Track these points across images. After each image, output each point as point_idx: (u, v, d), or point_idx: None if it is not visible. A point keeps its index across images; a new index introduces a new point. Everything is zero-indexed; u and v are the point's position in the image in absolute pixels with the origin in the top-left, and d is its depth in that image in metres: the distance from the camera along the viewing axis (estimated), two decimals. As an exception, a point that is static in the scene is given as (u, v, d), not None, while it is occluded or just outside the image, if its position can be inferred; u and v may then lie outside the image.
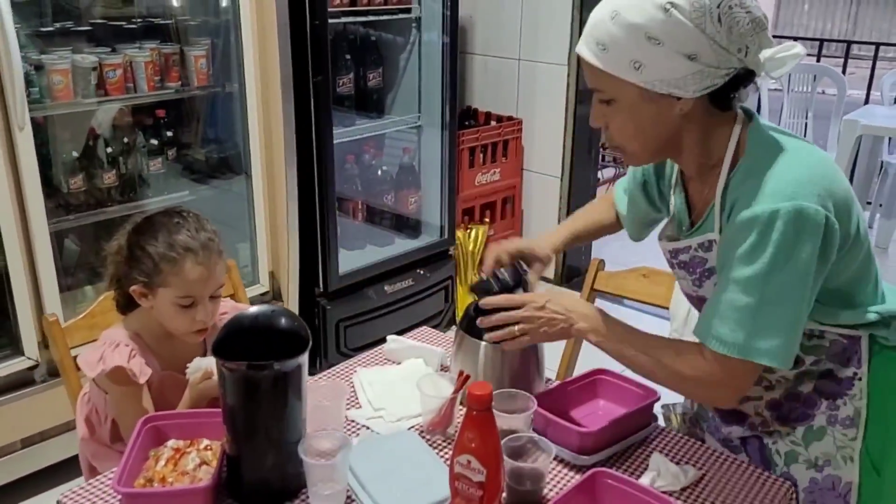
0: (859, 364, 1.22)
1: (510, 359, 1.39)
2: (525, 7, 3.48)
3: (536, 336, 1.28)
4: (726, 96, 1.13)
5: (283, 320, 1.18)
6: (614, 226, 1.57)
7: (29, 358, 2.26)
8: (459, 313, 3.41)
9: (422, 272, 3.12)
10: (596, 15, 1.11)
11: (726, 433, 1.35)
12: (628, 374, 1.34)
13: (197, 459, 1.20)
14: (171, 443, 1.25)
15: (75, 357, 1.54)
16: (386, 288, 3.00)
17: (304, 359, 1.14)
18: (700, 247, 1.22)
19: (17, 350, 2.27)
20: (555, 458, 1.22)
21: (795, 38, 7.84)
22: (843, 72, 5.38)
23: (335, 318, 2.84)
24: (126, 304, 1.51)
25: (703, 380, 1.16)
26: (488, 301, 1.31)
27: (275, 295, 2.79)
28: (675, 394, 1.30)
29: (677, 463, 1.29)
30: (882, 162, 4.64)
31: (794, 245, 1.06)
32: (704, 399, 1.34)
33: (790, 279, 1.08)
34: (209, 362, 1.38)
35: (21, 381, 2.27)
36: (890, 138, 4.72)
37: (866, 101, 5.29)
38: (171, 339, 1.48)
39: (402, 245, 3.16)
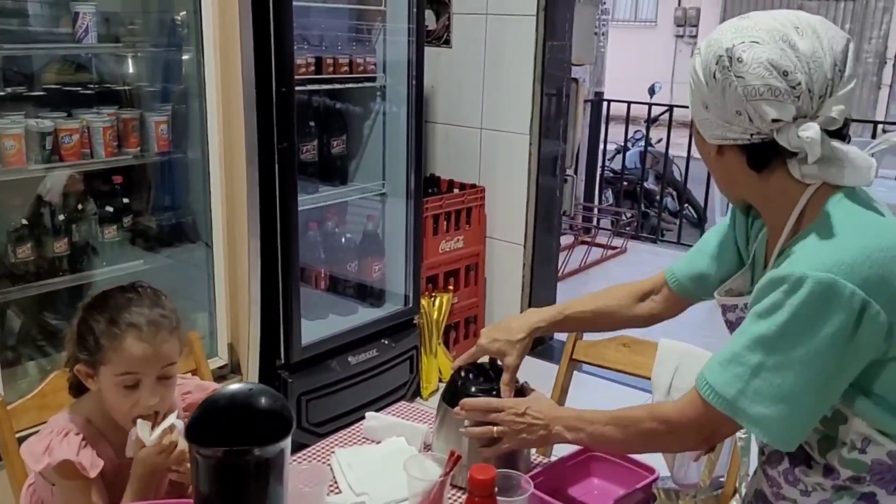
0: None
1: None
2: (486, 77, 3.53)
3: (514, 441, 1.29)
4: (763, 157, 1.08)
5: (263, 400, 1.08)
6: (623, 316, 1.45)
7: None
8: (424, 384, 3.32)
9: (386, 342, 3.02)
10: None
11: None
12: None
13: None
14: (133, 539, 1.13)
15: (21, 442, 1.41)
16: (350, 359, 2.88)
17: (287, 443, 1.05)
18: (746, 307, 1.15)
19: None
20: (554, 545, 1.14)
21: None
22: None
23: (297, 391, 2.70)
24: (79, 387, 1.40)
25: (676, 423, 1.13)
26: (467, 403, 1.32)
27: (233, 368, 2.65)
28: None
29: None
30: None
31: (816, 319, 0.99)
32: (674, 445, 1.29)
33: (802, 353, 1.01)
34: (140, 428, 1.29)
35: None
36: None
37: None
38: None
39: (365, 314, 3.07)
